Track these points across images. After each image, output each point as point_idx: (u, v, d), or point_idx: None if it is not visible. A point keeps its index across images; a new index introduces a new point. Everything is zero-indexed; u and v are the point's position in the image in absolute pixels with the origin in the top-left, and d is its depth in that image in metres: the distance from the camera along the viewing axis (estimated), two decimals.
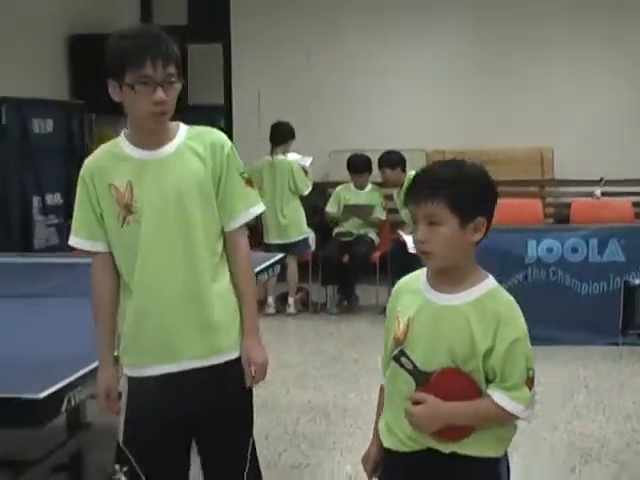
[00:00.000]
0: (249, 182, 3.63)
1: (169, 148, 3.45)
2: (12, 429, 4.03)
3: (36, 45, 11.76)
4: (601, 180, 11.61)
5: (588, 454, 5.93)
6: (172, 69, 3.35)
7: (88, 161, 3.52)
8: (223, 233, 3.56)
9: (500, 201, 9.47)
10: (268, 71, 13.10)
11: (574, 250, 8.67)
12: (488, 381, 2.88)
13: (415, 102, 12.73)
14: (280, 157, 10.36)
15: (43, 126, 10.61)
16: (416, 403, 2.90)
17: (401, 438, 2.98)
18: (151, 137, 3.44)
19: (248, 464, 3.68)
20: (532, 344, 8.18)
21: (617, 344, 8.46)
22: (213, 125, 11.46)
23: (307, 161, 10.32)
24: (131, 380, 3.52)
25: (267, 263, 6.60)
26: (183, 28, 13.19)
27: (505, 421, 2.92)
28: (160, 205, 3.39)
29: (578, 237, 8.72)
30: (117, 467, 3.56)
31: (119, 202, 3.38)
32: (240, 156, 10.13)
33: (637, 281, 8.16)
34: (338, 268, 10.24)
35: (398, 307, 3.05)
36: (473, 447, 2.88)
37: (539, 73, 12.46)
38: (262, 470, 3.84)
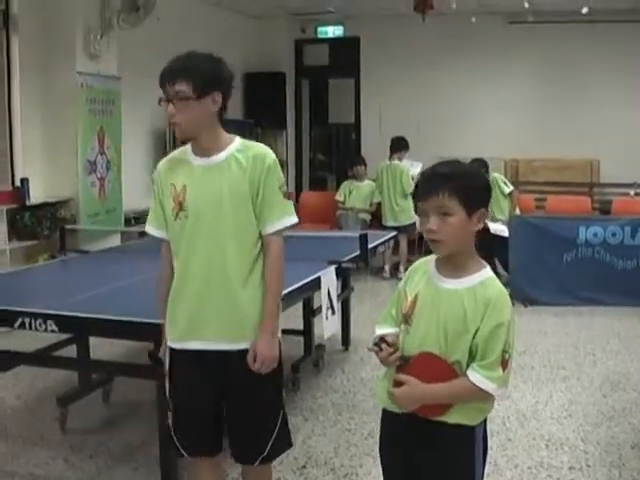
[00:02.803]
0: (286, 195, 3.19)
1: (218, 157, 3.10)
2: None
3: None
4: (634, 183, 11.45)
5: (616, 385, 5.95)
6: (181, 87, 2.98)
7: (161, 162, 3.27)
8: (261, 236, 3.15)
9: (560, 197, 9.63)
10: (386, 97, 13.09)
11: (613, 235, 8.56)
12: (471, 360, 2.56)
13: (497, 122, 12.57)
14: (395, 162, 10.35)
15: None
16: (399, 384, 2.62)
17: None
18: (199, 146, 3.12)
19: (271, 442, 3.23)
20: (581, 305, 8.32)
21: None
22: (347, 137, 11.85)
23: (417, 167, 10.32)
24: (171, 350, 3.24)
25: (383, 239, 6.81)
26: (326, 67, 13.40)
27: (479, 399, 2.58)
28: (203, 206, 3.07)
29: (616, 225, 8.62)
30: (169, 413, 3.30)
31: (175, 199, 3.10)
32: (366, 159, 10.33)
33: None
34: None
35: (407, 285, 2.74)
36: (452, 416, 2.58)
37: (589, 101, 12.26)
38: None
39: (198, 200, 3.08)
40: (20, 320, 3.92)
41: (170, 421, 3.27)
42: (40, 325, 3.87)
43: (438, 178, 2.59)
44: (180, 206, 3.10)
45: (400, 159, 10.39)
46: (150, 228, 3.28)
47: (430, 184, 2.59)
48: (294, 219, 3.20)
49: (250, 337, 3.11)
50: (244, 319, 3.12)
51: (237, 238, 3.09)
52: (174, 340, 3.20)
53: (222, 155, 3.11)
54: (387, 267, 10.34)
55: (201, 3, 11.38)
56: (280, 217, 3.14)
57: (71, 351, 5.16)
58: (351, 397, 5.66)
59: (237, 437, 3.22)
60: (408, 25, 12.25)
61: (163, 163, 3.25)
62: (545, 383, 6.01)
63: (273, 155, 3.16)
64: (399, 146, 10.41)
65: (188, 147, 3.18)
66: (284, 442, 3.31)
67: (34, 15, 8.16)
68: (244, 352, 3.10)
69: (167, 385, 3.29)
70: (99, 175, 8.64)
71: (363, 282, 9.07)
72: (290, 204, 3.22)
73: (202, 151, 3.11)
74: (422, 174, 2.70)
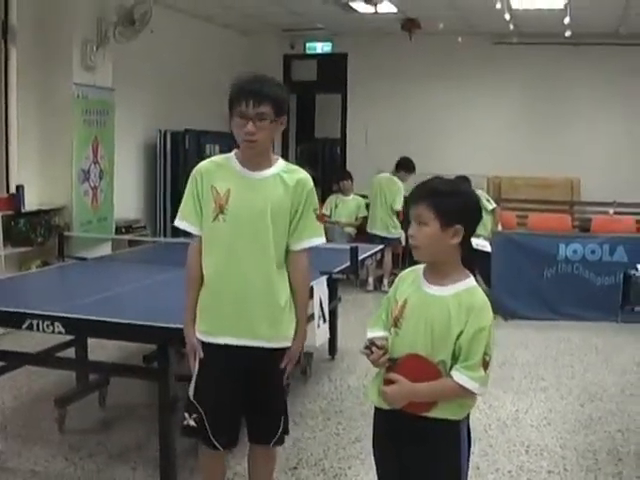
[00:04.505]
0: (319, 218, 3.49)
1: (267, 173, 3.34)
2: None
3: (210, 92, 12.27)
4: (614, 202, 11.62)
5: (593, 395, 6.16)
6: (264, 108, 3.21)
7: (201, 164, 3.44)
8: (287, 251, 3.43)
9: (541, 215, 9.83)
10: (372, 114, 13.32)
11: (592, 252, 8.77)
12: (454, 361, 2.74)
13: (480, 140, 12.82)
14: (395, 178, 10.47)
15: (213, 149, 10.84)
16: (389, 383, 2.81)
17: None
18: (252, 160, 3.34)
19: (282, 425, 3.57)
20: (560, 319, 8.49)
21: (617, 321, 8.57)
22: (333, 152, 11.97)
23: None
24: (206, 345, 3.40)
25: (371, 252, 6.99)
26: (313, 83, 13.59)
27: (463, 397, 2.76)
28: (246, 213, 3.30)
29: (595, 243, 8.83)
30: (187, 415, 3.46)
31: (216, 202, 3.30)
32: (352, 173, 10.42)
33: (632, 272, 8.25)
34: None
35: (397, 291, 2.93)
36: (438, 412, 2.76)
37: (571, 121, 12.59)
38: None
39: (241, 207, 3.30)
40: (28, 322, 4.08)
41: (192, 418, 3.43)
42: (47, 327, 4.03)
43: (423, 191, 2.84)
44: (221, 209, 3.30)
45: (402, 178, 10.47)
46: (183, 223, 3.44)
47: (416, 194, 2.85)
48: (322, 240, 3.51)
49: (285, 337, 3.43)
50: (282, 321, 3.40)
51: (275, 247, 3.35)
52: (211, 335, 3.39)
53: (270, 172, 3.37)
54: (371, 279, 10.44)
55: (193, 18, 11.57)
56: (310, 237, 3.44)
57: (67, 354, 5.32)
58: (339, 404, 5.85)
59: (258, 421, 3.53)
60: (395, 43, 12.49)
61: (205, 165, 3.43)
62: (525, 393, 6.22)
63: (312, 181, 3.45)
64: (407, 167, 10.43)
65: (232, 156, 3.41)
66: (287, 426, 3.62)
67: (32, 26, 8.31)
68: (279, 350, 3.42)
69: (192, 384, 3.45)
70: (92, 184, 8.80)
71: (349, 294, 9.25)
72: (321, 227, 3.53)
73: (254, 165, 3.35)
74: (417, 184, 2.91)
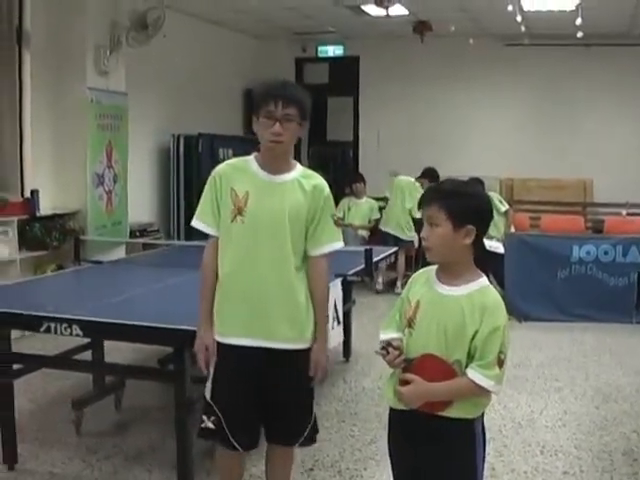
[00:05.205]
0: (336, 223, 3.54)
1: (286, 177, 3.39)
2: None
3: (223, 96, 12.35)
4: (626, 203, 11.61)
5: (608, 396, 6.16)
6: (292, 110, 3.28)
7: (220, 166, 3.48)
8: (305, 255, 3.46)
9: (553, 216, 9.80)
10: (384, 116, 13.37)
11: (605, 253, 8.75)
12: (470, 360, 2.76)
13: (492, 141, 12.86)
14: (418, 185, 10.42)
15: (226, 153, 10.84)
16: (405, 383, 2.83)
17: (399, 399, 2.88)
18: (273, 163, 3.38)
19: (309, 426, 3.59)
20: (574, 321, 8.47)
21: (631, 322, 8.58)
22: (345, 155, 11.96)
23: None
24: (222, 346, 3.42)
25: (385, 254, 7.03)
26: (325, 85, 13.63)
27: (478, 395, 2.78)
28: (264, 216, 3.33)
29: (609, 244, 8.80)
30: (204, 417, 3.47)
31: (235, 203, 3.34)
32: (364, 176, 10.43)
33: None
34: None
35: (410, 292, 2.95)
36: (453, 411, 2.79)
37: (584, 122, 12.61)
38: None
39: (259, 210, 3.34)
40: (46, 325, 4.12)
41: (210, 420, 3.46)
42: (65, 329, 4.07)
43: (435, 193, 2.88)
44: (239, 211, 3.35)
45: (423, 186, 10.46)
46: (200, 223, 3.48)
47: (427, 196, 2.89)
48: (340, 244, 3.55)
49: (307, 338, 3.46)
50: (303, 322, 3.43)
51: (294, 250, 3.39)
52: (228, 336, 3.42)
53: (289, 176, 3.42)
54: (380, 279, 10.45)
55: (205, 22, 11.62)
56: (329, 241, 3.48)
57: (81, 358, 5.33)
58: (354, 406, 5.87)
59: (279, 422, 3.51)
60: (407, 45, 12.52)
61: (224, 167, 3.48)
62: (539, 394, 6.23)
63: (328, 187, 3.50)
64: (431, 176, 10.36)
65: (252, 159, 3.45)
66: (315, 429, 3.65)
67: (46, 32, 8.38)
68: (298, 351, 3.44)
69: (209, 385, 3.48)
70: (106, 188, 8.85)
71: (362, 296, 9.26)
72: (339, 231, 3.57)
73: (274, 168, 3.40)
74: (428, 186, 2.92)
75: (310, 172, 3.52)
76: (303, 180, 3.43)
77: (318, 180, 3.48)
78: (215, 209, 3.43)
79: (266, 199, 3.36)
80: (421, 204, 2.88)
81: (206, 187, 3.48)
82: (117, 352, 5.75)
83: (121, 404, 5.63)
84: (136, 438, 5.14)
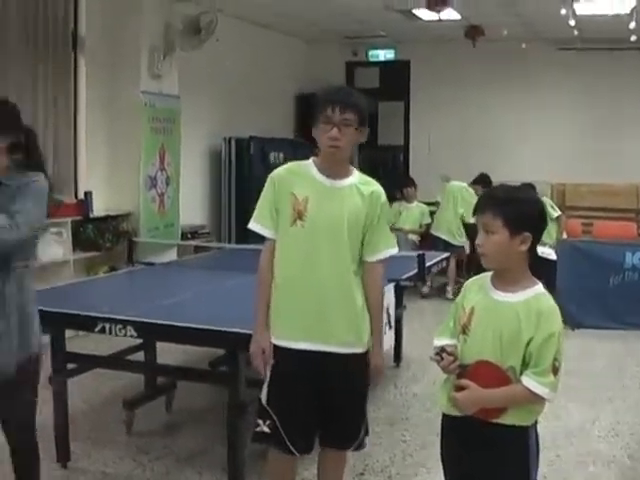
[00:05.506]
0: (392, 229, 3.60)
1: (344, 182, 3.41)
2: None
3: (274, 100, 12.40)
4: None
5: None
6: (349, 115, 3.30)
7: (279, 170, 3.50)
8: (361, 260, 3.46)
9: (606, 222, 9.68)
10: (435, 121, 13.28)
11: None
12: (524, 367, 2.74)
13: (544, 147, 12.69)
14: (471, 191, 10.39)
15: (277, 157, 10.94)
16: (460, 389, 2.82)
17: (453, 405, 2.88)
18: (332, 168, 3.40)
19: (362, 430, 3.60)
20: (627, 329, 8.32)
21: None
22: (395, 159, 11.91)
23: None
24: (279, 349, 3.43)
25: (438, 259, 7.01)
26: (376, 90, 13.57)
27: (533, 402, 2.77)
28: (324, 220, 3.34)
29: None
30: (260, 421, 3.46)
31: (294, 208, 3.35)
32: (415, 180, 10.37)
33: None
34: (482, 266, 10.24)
35: (465, 299, 2.94)
36: (507, 418, 2.78)
37: (635, 128, 12.42)
38: None
39: (319, 214, 3.36)
40: (100, 325, 4.17)
41: (265, 424, 3.45)
42: (120, 330, 4.11)
43: (490, 200, 2.87)
44: (299, 215, 3.36)
45: (477, 192, 10.41)
46: (258, 226, 3.50)
47: (482, 203, 2.88)
48: (395, 250, 3.57)
49: (363, 342, 3.46)
50: (360, 326, 3.44)
51: (351, 255, 3.41)
52: (285, 339, 3.42)
53: (347, 181, 3.44)
54: (427, 284, 10.35)
55: (256, 27, 11.65)
56: (386, 248, 3.51)
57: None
58: (404, 411, 5.85)
59: (334, 426, 3.52)
60: (458, 49, 12.44)
61: (282, 171, 3.50)
62: (592, 403, 6.15)
63: (384, 194, 3.52)
64: (485, 182, 10.30)
65: (310, 163, 3.47)
66: (367, 433, 3.66)
67: (101, 36, 8.49)
68: (357, 355, 3.45)
69: (265, 389, 3.47)
70: (159, 190, 8.93)
71: (413, 302, 9.22)
72: (394, 237, 3.61)
73: (333, 173, 3.42)
74: (482, 193, 2.95)
75: (368, 178, 3.53)
76: (361, 186, 3.44)
77: (375, 187, 3.49)
78: (273, 212, 3.45)
79: (326, 204, 3.38)
80: (476, 211, 2.87)
81: (264, 190, 3.50)
82: (167, 354, 5.79)
83: (172, 405, 5.67)
84: (186, 439, 5.17)
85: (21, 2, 7.54)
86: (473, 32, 11.58)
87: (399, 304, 6.68)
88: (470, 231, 10.40)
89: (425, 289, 10.36)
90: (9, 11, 7.42)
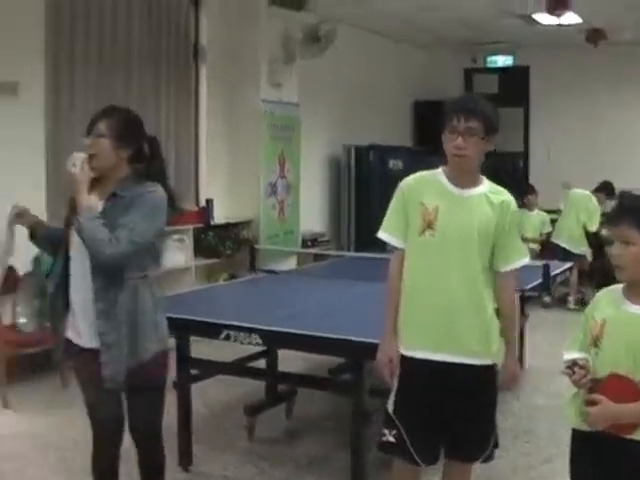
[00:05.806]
0: (522, 238, 3.52)
1: (474, 192, 3.35)
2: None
3: (392, 107, 12.38)
4: None
5: None
6: (473, 124, 3.24)
7: (408, 179, 3.47)
8: (491, 270, 3.40)
9: None
10: (555, 127, 13.05)
11: None
12: None
13: None
14: (594, 198, 10.23)
15: (396, 164, 10.93)
16: (592, 404, 2.74)
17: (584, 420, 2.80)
18: (460, 177, 3.35)
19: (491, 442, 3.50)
20: None
21: None
22: (515, 166, 11.73)
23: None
24: (407, 359, 3.38)
25: (562, 268, 6.82)
26: (495, 96, 13.40)
27: None
28: (454, 230, 3.29)
29: None
30: (385, 431, 3.39)
31: (424, 217, 3.31)
32: (535, 186, 10.16)
33: None
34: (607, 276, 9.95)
35: (596, 311, 2.86)
36: None
37: None
38: None
39: (450, 224, 3.31)
40: (225, 332, 4.22)
41: (391, 434, 3.40)
42: (245, 338, 4.15)
43: (623, 210, 2.85)
44: (429, 224, 3.32)
45: (600, 200, 10.27)
46: (387, 236, 3.47)
47: (618, 213, 2.85)
48: (527, 260, 3.50)
49: (492, 353, 3.37)
50: (490, 337, 3.36)
51: (482, 265, 3.35)
52: (414, 349, 3.37)
53: (477, 191, 3.37)
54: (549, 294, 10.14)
55: (373, 34, 11.65)
56: (519, 258, 3.44)
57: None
58: (526, 423, 5.71)
59: (461, 438, 3.43)
60: (579, 54, 12.19)
61: (411, 180, 3.47)
62: None
63: (515, 203, 3.46)
64: (608, 190, 10.24)
65: (440, 172, 3.41)
66: (497, 444, 3.56)
67: (222, 47, 8.66)
68: (488, 367, 3.37)
69: (392, 399, 3.42)
70: (279, 198, 9.03)
71: (535, 312, 9.03)
72: (525, 247, 3.58)
73: (462, 182, 3.36)
74: (617, 203, 2.84)
75: (498, 188, 3.46)
76: (491, 195, 3.38)
77: (506, 196, 3.42)
78: (402, 222, 3.42)
79: (456, 213, 3.33)
80: (609, 222, 2.79)
81: (393, 200, 3.48)
82: (286, 361, 5.82)
83: (292, 412, 5.68)
84: (307, 447, 5.18)
85: (145, 15, 7.78)
86: (595, 36, 11.29)
87: (522, 314, 6.57)
88: (592, 240, 10.16)
89: (547, 299, 10.08)
90: (133, 23, 7.65)
